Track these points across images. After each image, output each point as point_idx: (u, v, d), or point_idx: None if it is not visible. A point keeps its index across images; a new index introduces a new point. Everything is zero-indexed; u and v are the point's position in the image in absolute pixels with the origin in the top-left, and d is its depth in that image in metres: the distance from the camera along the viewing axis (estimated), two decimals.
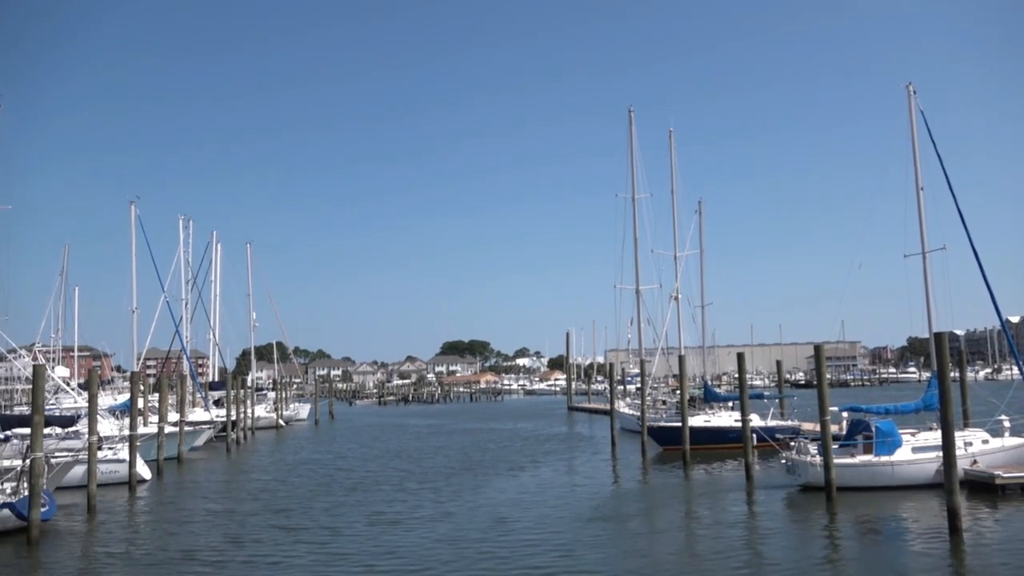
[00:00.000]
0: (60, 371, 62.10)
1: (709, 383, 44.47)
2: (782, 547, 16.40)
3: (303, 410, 72.26)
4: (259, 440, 50.65)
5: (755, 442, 26.61)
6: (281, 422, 63.18)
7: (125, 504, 24.65)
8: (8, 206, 33.01)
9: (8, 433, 23.15)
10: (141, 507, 24.23)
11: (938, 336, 18.69)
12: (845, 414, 26.65)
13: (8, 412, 34.15)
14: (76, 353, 69.36)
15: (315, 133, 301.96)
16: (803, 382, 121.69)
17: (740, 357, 27.80)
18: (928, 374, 36.10)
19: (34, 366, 22.76)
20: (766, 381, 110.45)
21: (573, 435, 48.73)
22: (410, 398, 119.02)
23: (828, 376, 25.42)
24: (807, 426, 34.16)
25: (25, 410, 35.47)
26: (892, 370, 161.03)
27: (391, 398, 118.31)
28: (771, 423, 34.82)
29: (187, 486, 28.93)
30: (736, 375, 30.48)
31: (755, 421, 31.51)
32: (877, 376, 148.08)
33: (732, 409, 37.52)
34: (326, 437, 51.81)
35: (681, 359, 34.91)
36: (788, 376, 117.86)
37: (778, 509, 21.09)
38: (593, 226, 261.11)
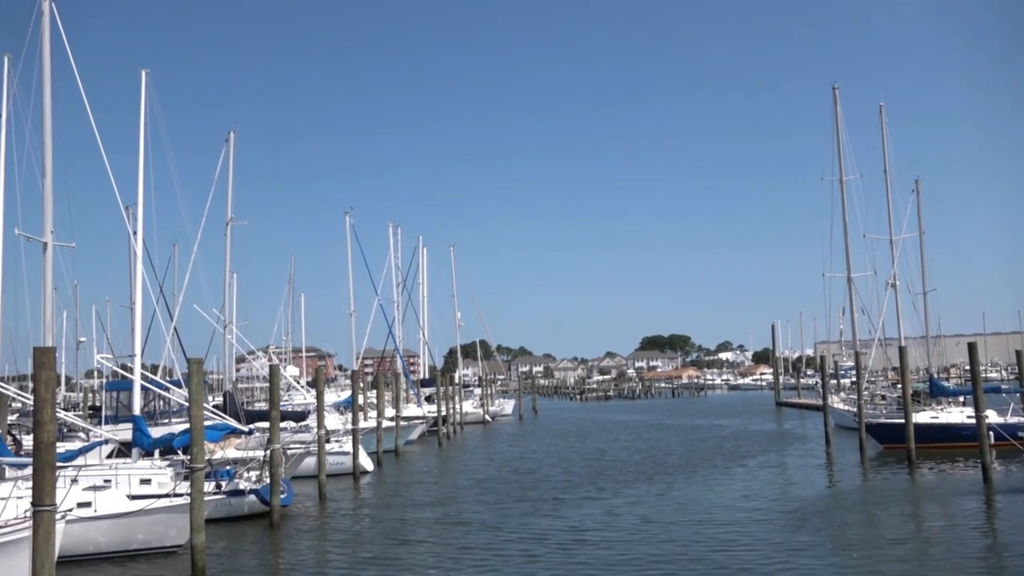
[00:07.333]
0: (291, 370, 68.34)
1: (935, 376, 41.00)
2: None
3: (508, 406, 74.51)
4: (468, 434, 52.87)
5: (992, 440, 24.30)
6: (487, 417, 65.56)
7: (351, 493, 26.63)
8: (244, 221, 37.31)
9: (252, 427, 25.76)
10: (365, 496, 26.08)
11: None
12: None
13: (250, 408, 38.01)
14: (304, 354, 76.00)
15: (512, 128, 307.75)
16: None
17: (972, 347, 25.34)
18: None
19: (270, 366, 25.16)
20: (1003, 374, 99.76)
21: (783, 432, 46.68)
22: (611, 394, 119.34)
23: None
24: None
25: (263, 406, 39.17)
26: None
27: (593, 394, 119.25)
28: (1012, 420, 31.54)
29: (404, 478, 30.75)
30: (967, 367, 27.85)
31: (992, 417, 28.71)
32: None
33: (964, 404, 34.36)
34: (531, 433, 53.09)
35: (902, 350, 32.45)
36: None
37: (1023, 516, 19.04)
38: (797, 211, 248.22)
